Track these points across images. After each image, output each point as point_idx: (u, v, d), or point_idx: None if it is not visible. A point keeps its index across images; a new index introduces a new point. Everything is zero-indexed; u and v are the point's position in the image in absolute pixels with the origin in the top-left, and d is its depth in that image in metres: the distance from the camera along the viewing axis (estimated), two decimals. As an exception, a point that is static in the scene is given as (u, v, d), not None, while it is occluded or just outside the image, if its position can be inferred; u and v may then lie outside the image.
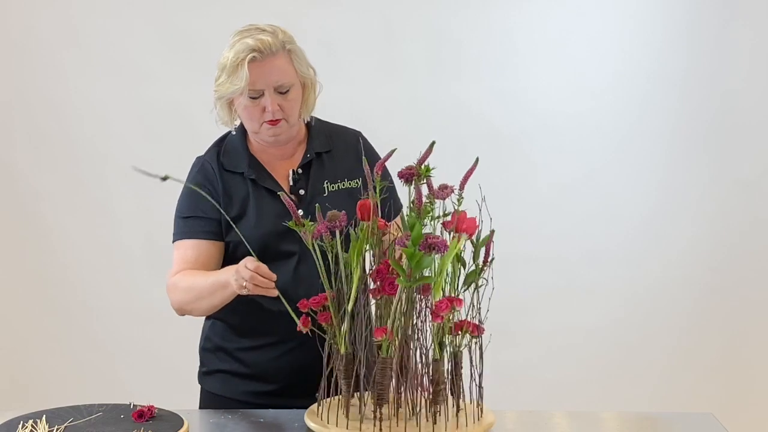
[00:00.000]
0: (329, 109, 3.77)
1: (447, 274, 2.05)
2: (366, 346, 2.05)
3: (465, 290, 2.07)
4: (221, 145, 2.41)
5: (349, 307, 2.07)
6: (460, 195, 2.04)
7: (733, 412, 3.48)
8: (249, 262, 2.12)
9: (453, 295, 2.06)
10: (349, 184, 2.38)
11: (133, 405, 2.20)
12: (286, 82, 2.28)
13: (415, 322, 2.03)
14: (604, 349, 4.04)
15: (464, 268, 2.07)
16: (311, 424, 2.09)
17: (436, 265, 2.01)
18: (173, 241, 2.38)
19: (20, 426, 2.06)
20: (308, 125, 2.43)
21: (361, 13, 3.93)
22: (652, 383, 4.04)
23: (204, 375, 2.46)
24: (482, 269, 2.08)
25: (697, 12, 3.92)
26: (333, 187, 2.35)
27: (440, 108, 3.94)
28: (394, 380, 2.04)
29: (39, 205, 4.02)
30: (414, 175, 2.05)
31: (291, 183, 2.36)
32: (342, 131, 2.47)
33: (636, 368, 4.05)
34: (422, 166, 2.05)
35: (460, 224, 2.03)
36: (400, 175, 2.06)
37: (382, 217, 2.13)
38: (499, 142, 3.94)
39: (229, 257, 2.34)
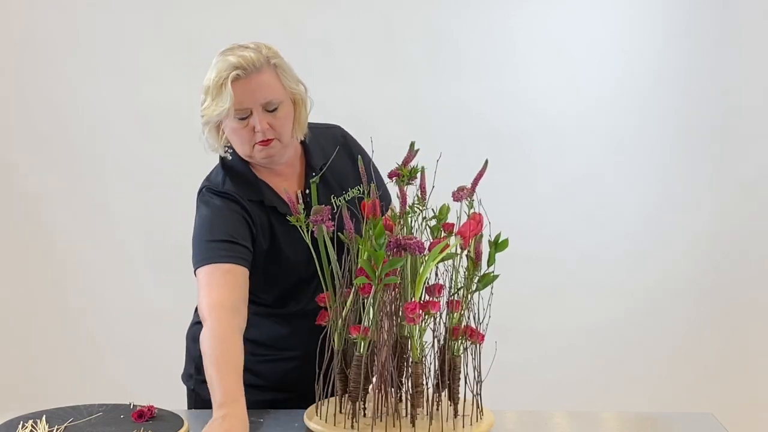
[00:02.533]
0: (329, 109, 3.78)
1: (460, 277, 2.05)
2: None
3: (473, 293, 2.07)
4: (226, 172, 2.27)
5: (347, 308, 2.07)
6: (470, 198, 2.04)
7: (733, 412, 3.47)
8: None
9: (460, 297, 2.06)
10: (353, 192, 2.33)
11: (133, 405, 2.20)
12: (274, 99, 2.16)
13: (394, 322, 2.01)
14: (604, 349, 4.04)
15: (478, 271, 2.07)
16: (311, 425, 2.09)
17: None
18: (198, 267, 2.15)
19: (20, 426, 2.06)
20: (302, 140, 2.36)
21: (361, 13, 3.93)
22: (652, 383, 4.04)
23: (203, 383, 2.34)
24: (491, 275, 2.07)
25: (698, 12, 3.92)
26: (339, 201, 2.28)
27: (440, 108, 3.94)
28: (375, 379, 2.03)
29: (39, 206, 4.02)
30: (397, 176, 2.05)
31: (301, 205, 2.24)
32: (328, 134, 2.40)
33: (636, 368, 4.05)
34: (406, 168, 2.05)
35: (469, 227, 2.03)
36: (390, 175, 2.07)
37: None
38: (499, 142, 3.93)
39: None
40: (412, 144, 2.08)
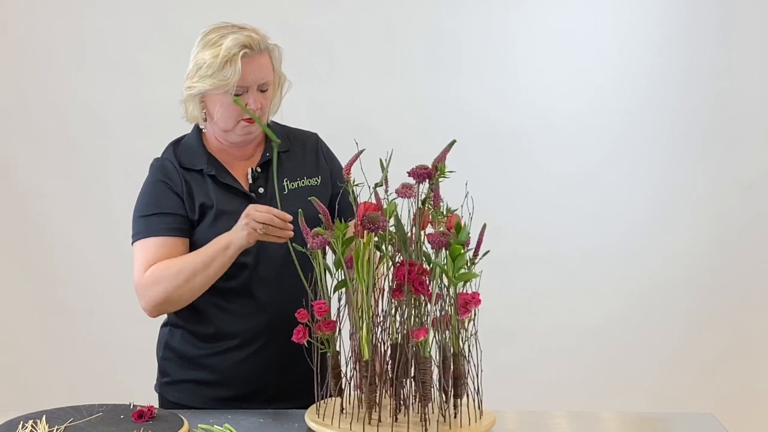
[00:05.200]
0: (329, 109, 3.80)
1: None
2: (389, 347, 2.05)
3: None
4: (177, 145, 2.40)
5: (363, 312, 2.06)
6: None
7: (733, 412, 3.48)
8: (258, 207, 2.14)
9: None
10: (309, 182, 2.38)
11: (133, 405, 2.20)
12: (268, 80, 2.29)
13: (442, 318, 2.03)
14: (604, 349, 4.04)
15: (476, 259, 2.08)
16: (312, 425, 2.09)
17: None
18: (134, 242, 2.32)
19: (20, 426, 2.06)
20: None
21: (361, 13, 3.93)
22: (652, 383, 4.04)
23: (166, 385, 2.41)
24: (474, 262, 2.08)
25: (697, 11, 3.92)
26: (293, 185, 2.35)
27: (440, 108, 3.94)
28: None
29: (39, 205, 4.02)
30: (431, 173, 2.02)
31: (250, 181, 2.34)
32: (300, 133, 2.47)
33: (636, 368, 4.05)
34: (439, 165, 2.04)
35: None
36: (413, 174, 2.02)
37: (339, 214, 2.12)
38: (499, 141, 3.94)
39: None
40: (453, 142, 2.07)
